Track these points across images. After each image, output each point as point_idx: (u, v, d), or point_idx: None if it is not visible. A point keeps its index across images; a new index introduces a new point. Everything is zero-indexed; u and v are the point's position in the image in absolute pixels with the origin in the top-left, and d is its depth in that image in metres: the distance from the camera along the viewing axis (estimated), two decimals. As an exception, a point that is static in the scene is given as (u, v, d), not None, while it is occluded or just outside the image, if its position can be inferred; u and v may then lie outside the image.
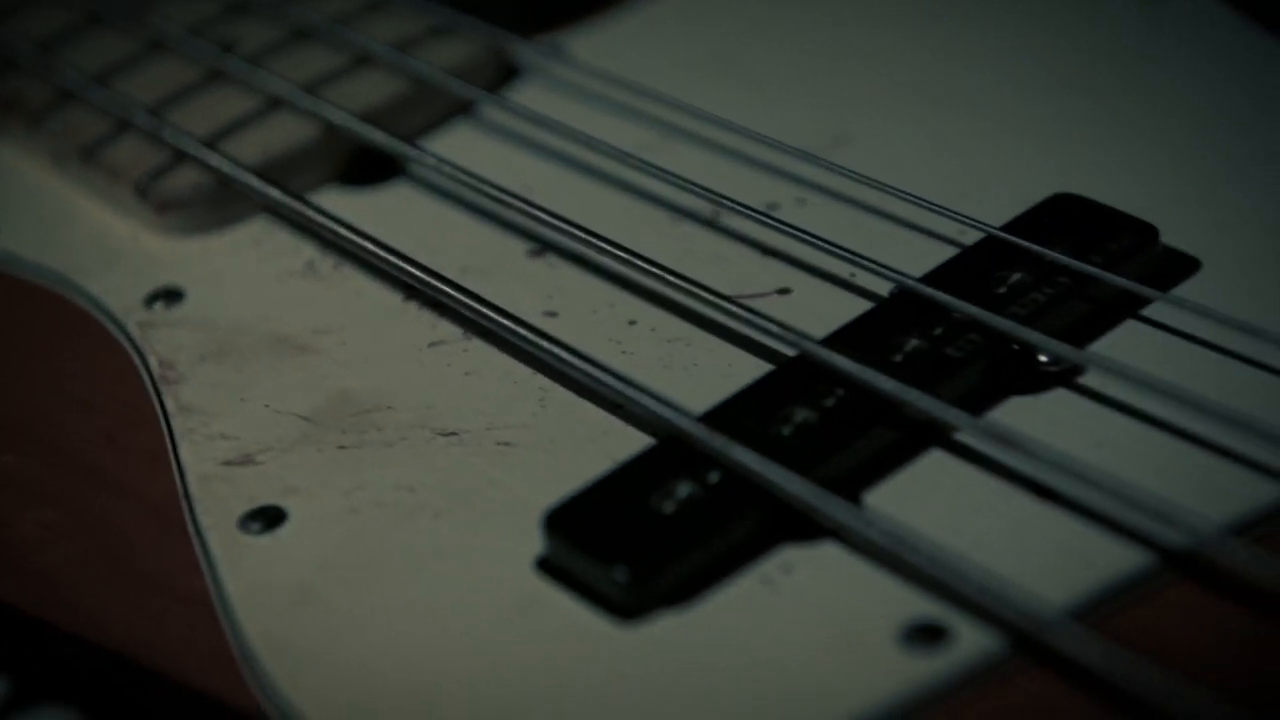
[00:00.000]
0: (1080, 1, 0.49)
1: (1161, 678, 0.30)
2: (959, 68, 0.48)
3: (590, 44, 0.51)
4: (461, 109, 0.49)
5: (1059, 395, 0.37)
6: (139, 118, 0.48)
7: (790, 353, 0.38)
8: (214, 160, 0.46)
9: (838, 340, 0.38)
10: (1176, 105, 0.45)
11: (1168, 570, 0.33)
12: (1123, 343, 0.38)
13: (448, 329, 0.42)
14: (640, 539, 0.34)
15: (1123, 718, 0.30)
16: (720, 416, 0.36)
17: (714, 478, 0.35)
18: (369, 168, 0.47)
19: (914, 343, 0.37)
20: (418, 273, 0.42)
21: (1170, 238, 0.40)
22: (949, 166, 0.44)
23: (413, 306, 0.43)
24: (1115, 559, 0.33)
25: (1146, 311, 0.39)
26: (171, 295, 0.44)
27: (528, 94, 0.50)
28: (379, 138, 0.46)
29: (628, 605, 0.33)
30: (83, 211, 0.48)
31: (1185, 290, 0.39)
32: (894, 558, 0.33)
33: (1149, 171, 0.43)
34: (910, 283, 0.39)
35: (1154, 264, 0.39)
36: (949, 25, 0.49)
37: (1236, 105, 0.45)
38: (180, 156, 0.47)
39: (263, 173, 0.46)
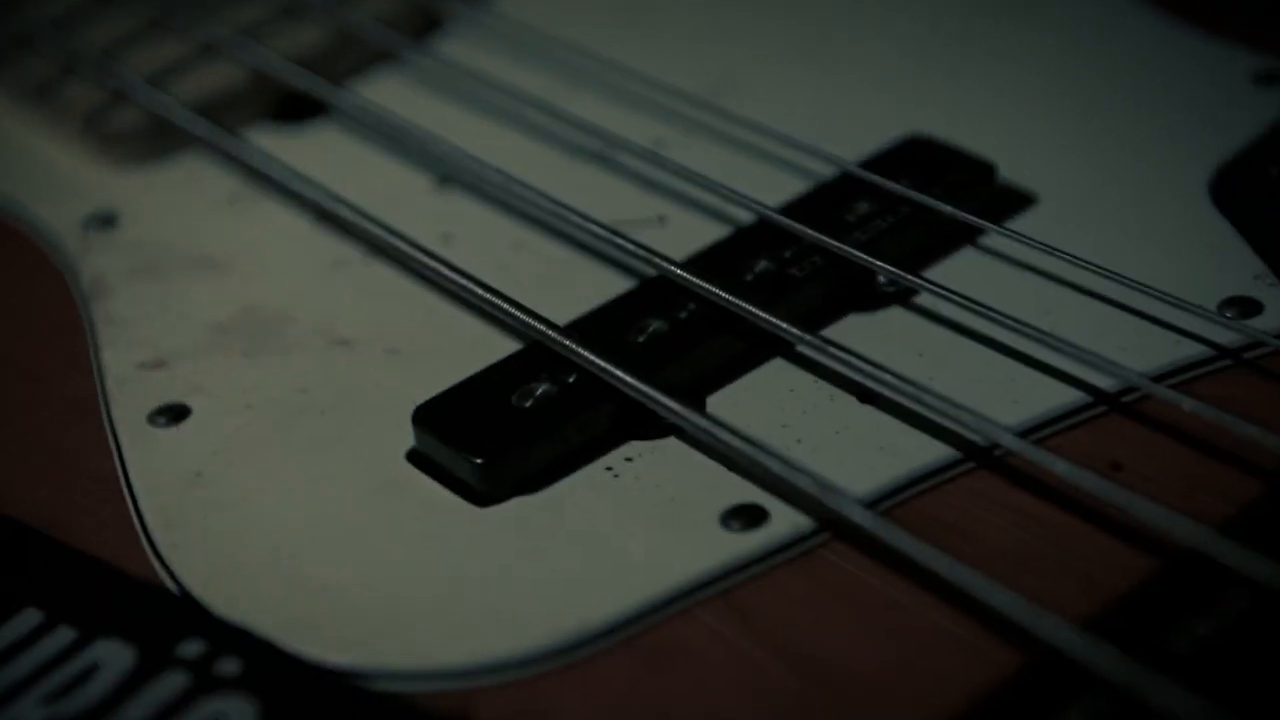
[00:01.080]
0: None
1: (948, 557, 0.33)
2: (835, 17, 0.51)
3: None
4: (387, 56, 0.53)
5: (893, 313, 0.41)
6: (88, 61, 0.52)
7: (652, 273, 0.42)
8: (153, 98, 0.50)
9: (696, 262, 0.42)
10: (1030, 53, 0.49)
11: (965, 464, 0.36)
12: (955, 268, 0.42)
13: (350, 251, 0.45)
14: (497, 431, 0.38)
15: (918, 589, 0.34)
16: (582, 326, 0.40)
17: (571, 379, 0.39)
18: (298, 108, 0.51)
19: (764, 265, 0.41)
20: (326, 200, 0.46)
21: (1012, 175, 0.43)
22: (817, 108, 0.48)
23: (321, 231, 0.46)
24: (919, 453, 0.37)
25: (982, 241, 0.42)
26: (107, 220, 0.48)
27: (449, 44, 0.53)
28: (304, 81, 0.50)
29: (482, 490, 0.37)
30: (33, 145, 0.52)
31: (1019, 223, 0.42)
32: (723, 451, 0.37)
33: (998, 115, 0.46)
34: (766, 211, 0.42)
35: (992, 198, 0.43)
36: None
37: (1084, 55, 0.48)
38: (123, 95, 0.51)
39: (197, 110, 0.50)
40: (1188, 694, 0.29)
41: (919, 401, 0.37)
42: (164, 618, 0.35)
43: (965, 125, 0.46)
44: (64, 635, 0.35)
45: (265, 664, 0.34)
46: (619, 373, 0.38)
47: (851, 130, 0.46)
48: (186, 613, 0.35)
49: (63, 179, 0.50)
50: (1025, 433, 0.36)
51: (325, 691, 0.33)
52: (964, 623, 0.33)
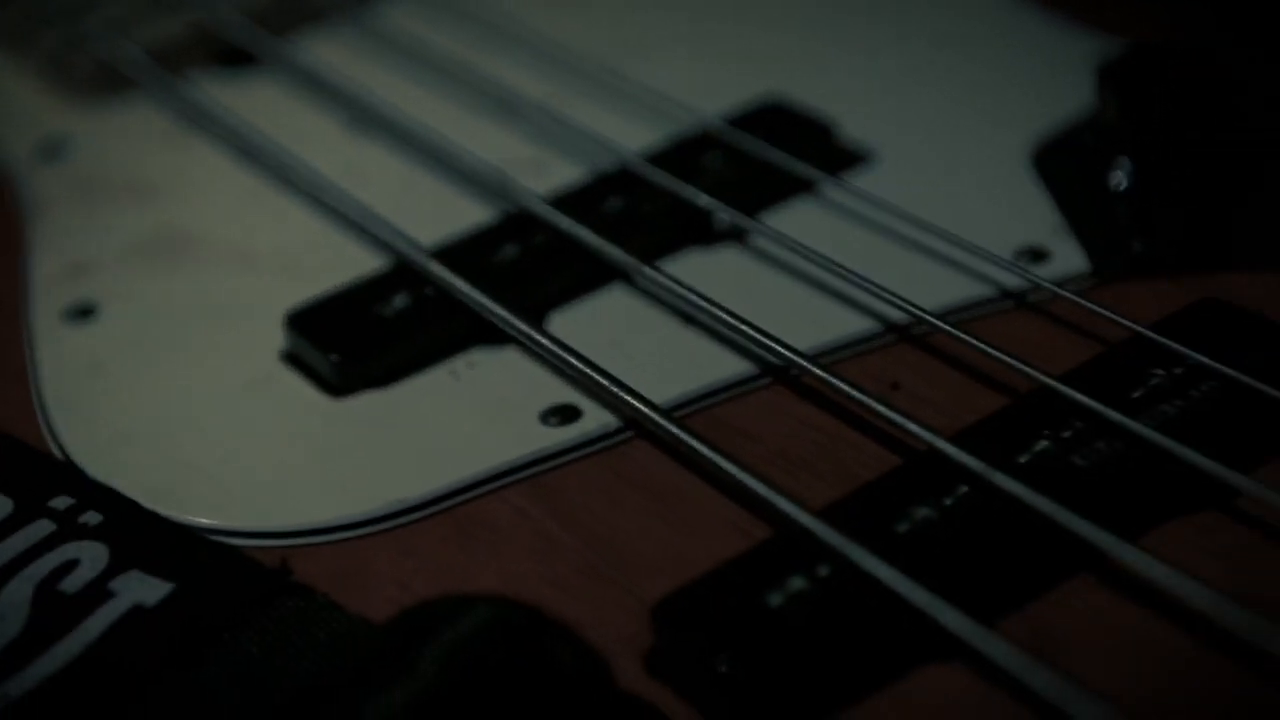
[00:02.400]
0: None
1: (728, 457, 0.37)
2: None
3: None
4: (326, 15, 0.58)
5: (727, 250, 0.45)
6: (54, 7, 0.57)
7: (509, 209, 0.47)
8: (109, 42, 0.55)
9: (557, 201, 0.46)
10: (892, 28, 0.53)
11: (762, 379, 0.41)
12: (789, 214, 0.46)
13: (265, 183, 0.50)
14: (355, 334, 0.42)
15: (701, 483, 0.38)
16: (446, 252, 0.45)
17: (428, 292, 0.43)
18: (238, 57, 0.56)
19: (616, 203, 0.46)
20: (250, 138, 0.51)
21: (857, 133, 0.48)
22: (691, 69, 0.52)
23: (243, 166, 0.51)
24: (721, 369, 0.41)
25: (818, 191, 0.47)
26: (57, 147, 0.53)
27: (386, 7, 0.58)
28: (245, 33, 0.55)
29: (337, 384, 0.42)
30: (7, 82, 0.57)
31: (854, 177, 0.47)
32: (551, 359, 0.41)
33: (852, 79, 0.51)
34: (628, 159, 0.47)
35: (831, 154, 0.47)
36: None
37: (940, 31, 0.53)
38: (83, 38, 0.56)
39: (149, 55, 0.55)
40: (892, 567, 0.33)
41: (729, 326, 0.41)
42: (44, 477, 0.40)
43: (821, 89, 0.50)
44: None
45: (122, 518, 0.39)
46: (467, 287, 0.43)
47: (720, 89, 0.51)
48: (64, 474, 0.40)
49: (21, 109, 0.55)
50: (818, 355, 0.41)
51: (168, 540, 0.38)
52: (735, 511, 0.37)
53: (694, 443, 0.38)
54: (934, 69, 0.51)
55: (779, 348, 0.40)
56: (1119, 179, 0.45)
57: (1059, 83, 0.49)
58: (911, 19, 0.54)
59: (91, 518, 0.39)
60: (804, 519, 0.35)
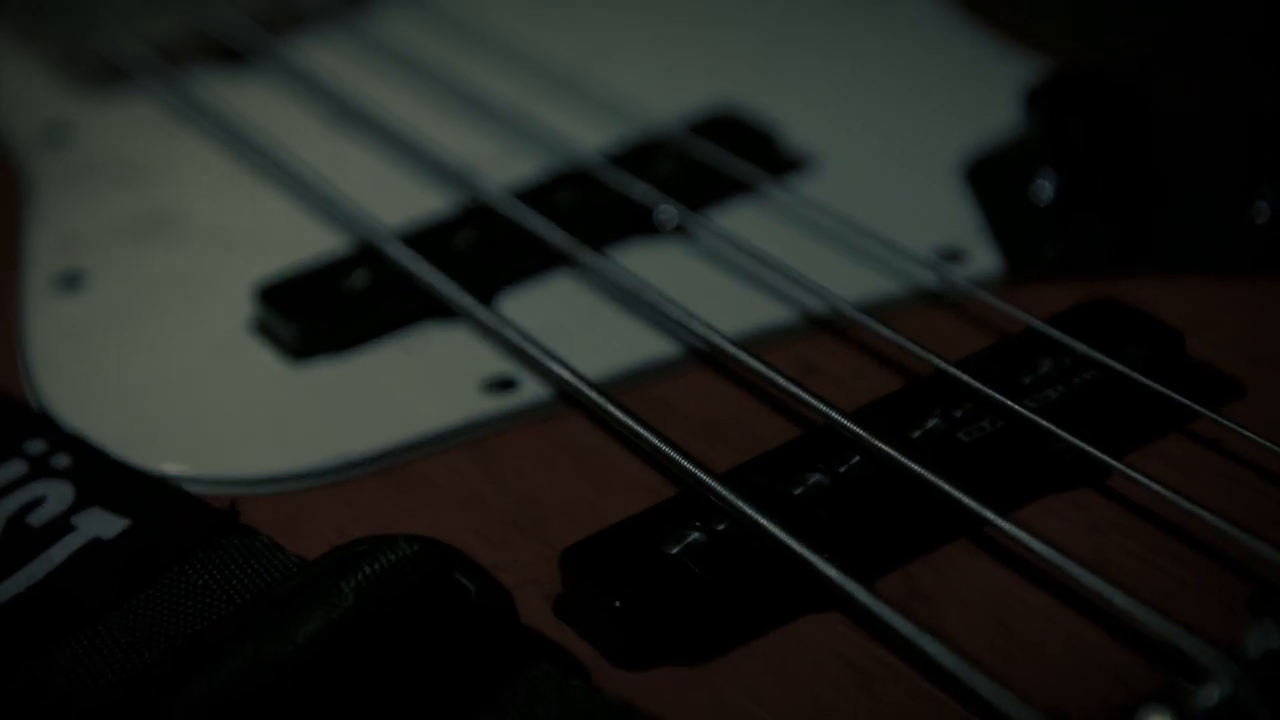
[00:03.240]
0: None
1: (647, 426, 0.40)
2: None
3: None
4: (318, 17, 0.62)
5: (671, 242, 0.48)
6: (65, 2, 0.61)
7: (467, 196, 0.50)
8: (118, 36, 0.59)
9: (516, 193, 0.49)
10: (845, 43, 0.57)
11: (690, 360, 0.44)
12: (729, 212, 0.49)
13: (250, 171, 0.54)
14: (317, 307, 0.46)
15: (625, 450, 0.41)
16: (407, 235, 0.48)
17: (388, 270, 0.47)
18: (234, 55, 0.60)
19: (570, 196, 0.49)
20: (237, 129, 0.54)
21: (801, 138, 0.51)
22: (656, 72, 0.56)
23: (231, 154, 0.55)
24: (654, 349, 0.44)
25: (760, 192, 0.50)
26: (59, 131, 0.57)
27: (378, 12, 0.62)
28: (239, 33, 0.59)
29: (298, 350, 0.45)
30: (14, 67, 0.61)
31: (793, 180, 0.50)
32: (497, 334, 0.45)
33: (800, 89, 0.55)
34: (585, 157, 0.50)
35: (775, 159, 0.51)
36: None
37: (888, 49, 0.56)
38: (94, 31, 0.60)
39: (152, 51, 0.59)
40: (781, 524, 0.36)
41: (663, 311, 0.45)
42: (20, 423, 0.43)
43: (770, 97, 0.54)
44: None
45: (88, 461, 0.42)
46: (423, 267, 0.46)
47: (678, 93, 0.54)
48: (39, 422, 0.44)
49: (28, 93, 0.59)
50: (743, 340, 0.44)
51: (128, 481, 0.41)
52: (653, 476, 0.40)
53: (617, 412, 0.41)
54: (877, 83, 0.55)
55: (707, 332, 0.43)
56: (1041, 190, 0.48)
57: (991, 100, 0.52)
58: (861, 37, 0.58)
59: (60, 460, 0.42)
60: (705, 479, 0.38)
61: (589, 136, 0.52)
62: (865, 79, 0.55)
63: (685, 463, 0.38)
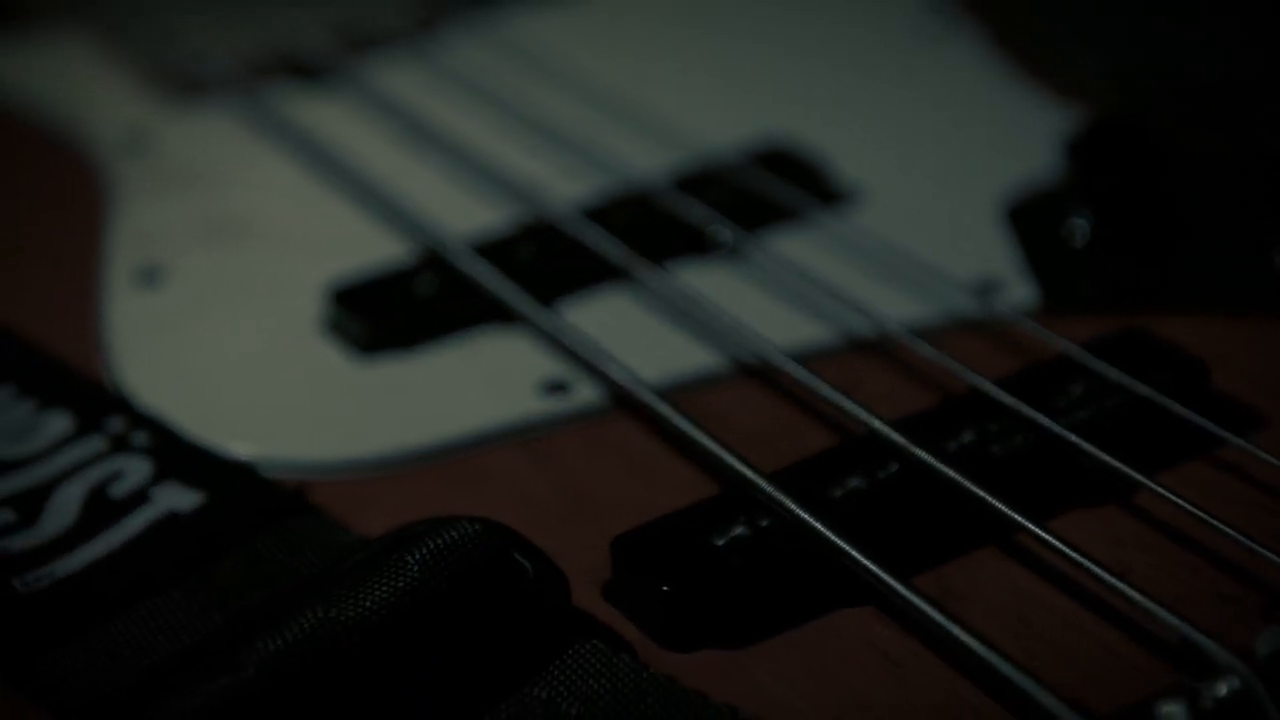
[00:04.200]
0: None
1: (704, 431, 0.42)
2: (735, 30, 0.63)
3: None
4: (393, 40, 0.65)
5: (726, 262, 0.51)
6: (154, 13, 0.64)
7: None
8: (201, 47, 0.62)
9: (580, 209, 0.52)
10: (896, 82, 0.59)
11: (739, 372, 0.46)
12: (784, 237, 0.52)
13: (323, 182, 0.56)
14: (386, 307, 0.48)
15: (679, 452, 0.44)
16: (480, 245, 0.50)
17: (454, 276, 0.49)
18: (313, 71, 0.63)
19: (630, 215, 0.52)
20: (313, 141, 0.57)
21: (854, 172, 0.54)
22: (715, 102, 0.59)
23: (305, 165, 0.57)
24: (707, 359, 0.47)
25: (813, 220, 0.52)
26: (144, 137, 0.60)
27: (451, 34, 0.65)
28: (318, 51, 0.62)
29: (366, 346, 0.48)
30: (104, 82, 0.64)
31: (844, 209, 0.52)
32: (553, 340, 0.47)
33: (857, 125, 0.57)
34: (645, 181, 0.53)
35: (825, 190, 0.53)
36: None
37: (939, 90, 0.59)
38: (177, 41, 0.63)
39: (234, 64, 0.61)
40: (824, 521, 0.39)
41: (717, 324, 0.47)
42: (102, 402, 0.46)
43: (825, 132, 0.56)
44: (26, 404, 0.45)
45: (166, 439, 0.44)
46: (488, 273, 0.48)
47: (738, 122, 0.57)
48: (120, 402, 0.46)
49: (113, 99, 0.62)
50: (797, 355, 0.46)
51: (203, 460, 0.43)
52: (702, 476, 0.43)
53: (671, 413, 0.43)
54: (927, 126, 0.57)
55: (758, 345, 0.46)
56: (1076, 231, 0.50)
57: (1032, 146, 0.54)
58: (915, 78, 0.60)
59: (139, 438, 0.44)
60: (753, 476, 0.40)
61: (649, 161, 0.55)
62: (914, 120, 0.58)
63: (735, 461, 0.41)
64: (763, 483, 0.40)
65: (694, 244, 0.51)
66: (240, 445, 0.44)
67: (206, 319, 0.50)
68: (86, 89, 0.63)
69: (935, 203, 0.53)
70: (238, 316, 0.50)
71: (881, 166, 0.55)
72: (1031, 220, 0.52)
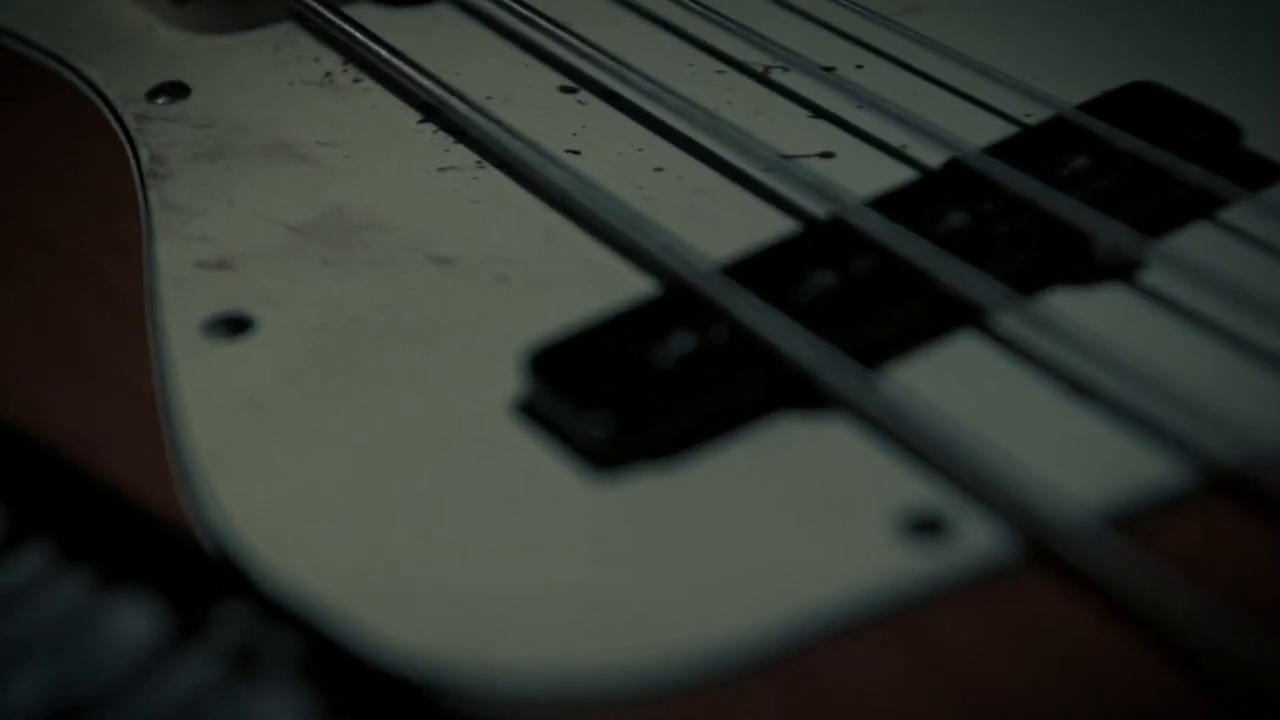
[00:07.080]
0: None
1: (1193, 602, 0.26)
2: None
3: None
4: None
5: (1116, 288, 0.33)
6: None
7: (821, 214, 0.35)
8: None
9: (878, 205, 0.34)
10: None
11: (1210, 486, 0.29)
12: (1194, 242, 0.34)
13: (461, 154, 0.38)
14: (627, 389, 0.31)
15: (1140, 641, 0.27)
16: (739, 271, 0.33)
17: (717, 333, 0.31)
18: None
19: (960, 217, 0.34)
20: (439, 91, 0.39)
21: (1257, 141, 0.36)
22: (1023, 45, 0.40)
23: (429, 129, 0.39)
24: (1152, 467, 0.29)
25: (1226, 213, 0.35)
26: (176, 90, 0.41)
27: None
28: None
29: (605, 456, 0.30)
30: (109, 4, 0.45)
31: (1273, 194, 0.35)
32: (900, 438, 0.30)
33: (1241, 70, 0.39)
34: (966, 154, 0.35)
35: (1236, 164, 0.35)
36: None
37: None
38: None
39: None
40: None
41: (1160, 400, 0.30)
42: (200, 583, 0.28)
43: (1196, 77, 0.38)
44: (79, 578, 0.28)
45: (317, 655, 0.27)
46: (789, 333, 0.31)
47: (1058, 71, 0.39)
48: (226, 578, 0.28)
49: (129, 41, 0.43)
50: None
51: (382, 697, 0.26)
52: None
53: (1145, 588, 0.26)
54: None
55: (1240, 439, 0.28)
56: None
57: None
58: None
59: (273, 648, 0.27)
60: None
61: (955, 124, 0.37)
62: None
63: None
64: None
65: (1066, 259, 0.34)
66: (428, 650, 0.27)
67: (328, 399, 0.32)
68: (97, 24, 0.44)
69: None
70: (376, 393, 0.32)
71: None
72: None
